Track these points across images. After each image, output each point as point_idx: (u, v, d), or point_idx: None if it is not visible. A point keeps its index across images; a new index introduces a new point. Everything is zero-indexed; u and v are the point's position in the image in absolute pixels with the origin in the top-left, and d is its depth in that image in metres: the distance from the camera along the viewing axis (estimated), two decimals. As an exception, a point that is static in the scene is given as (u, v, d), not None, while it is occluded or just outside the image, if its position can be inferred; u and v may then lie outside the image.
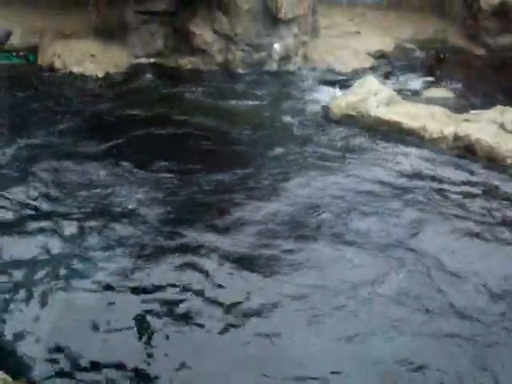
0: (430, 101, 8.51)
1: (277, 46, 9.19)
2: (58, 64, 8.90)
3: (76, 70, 8.87)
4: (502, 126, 7.39)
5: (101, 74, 8.85)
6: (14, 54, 9.20)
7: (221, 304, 4.77)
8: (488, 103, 8.57)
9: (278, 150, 6.98)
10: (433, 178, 6.54)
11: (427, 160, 6.90)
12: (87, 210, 5.76)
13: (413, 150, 7.08)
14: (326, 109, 7.87)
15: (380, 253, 5.37)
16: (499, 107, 7.96)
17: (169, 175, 6.37)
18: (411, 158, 6.90)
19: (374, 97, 7.78)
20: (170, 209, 5.85)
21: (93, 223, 5.58)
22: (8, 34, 9.07)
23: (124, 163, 6.50)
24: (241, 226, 5.67)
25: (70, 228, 5.48)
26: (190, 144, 7.12)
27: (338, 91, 8.50)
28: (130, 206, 5.82)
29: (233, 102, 8.18)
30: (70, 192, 6.01)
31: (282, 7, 8.92)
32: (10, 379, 3.81)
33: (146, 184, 6.20)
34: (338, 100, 7.86)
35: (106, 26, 9.35)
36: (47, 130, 7.15)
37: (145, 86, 8.60)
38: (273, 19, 9.07)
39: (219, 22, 9.06)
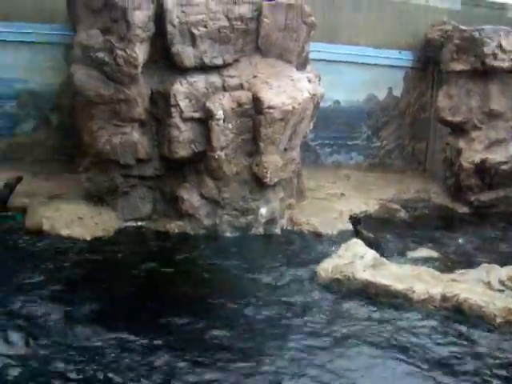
0: (415, 261, 8.58)
1: (263, 210, 9.35)
2: (46, 226, 8.75)
3: (64, 232, 8.72)
4: (488, 284, 7.42)
5: (88, 238, 8.71)
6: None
7: None
8: (473, 262, 8.67)
9: (264, 314, 6.82)
10: (420, 344, 6.37)
11: (416, 323, 6.76)
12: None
13: (400, 313, 6.97)
14: (312, 272, 7.85)
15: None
16: (485, 265, 8.01)
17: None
18: (399, 323, 6.75)
19: (360, 260, 7.81)
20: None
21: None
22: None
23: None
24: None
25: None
26: (172, 311, 6.86)
27: (324, 254, 8.51)
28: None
29: (219, 264, 8.16)
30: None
31: (267, 172, 9.12)
32: None
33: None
34: (324, 264, 7.85)
35: (95, 190, 9.46)
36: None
37: (131, 250, 8.52)
38: (259, 183, 9.27)
39: (207, 186, 9.22)
